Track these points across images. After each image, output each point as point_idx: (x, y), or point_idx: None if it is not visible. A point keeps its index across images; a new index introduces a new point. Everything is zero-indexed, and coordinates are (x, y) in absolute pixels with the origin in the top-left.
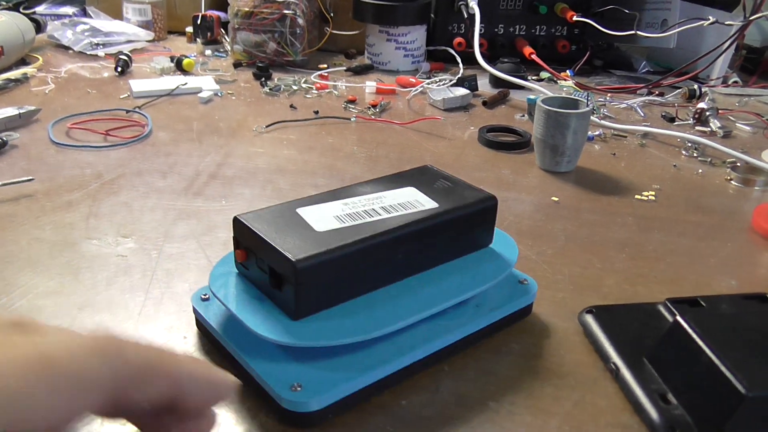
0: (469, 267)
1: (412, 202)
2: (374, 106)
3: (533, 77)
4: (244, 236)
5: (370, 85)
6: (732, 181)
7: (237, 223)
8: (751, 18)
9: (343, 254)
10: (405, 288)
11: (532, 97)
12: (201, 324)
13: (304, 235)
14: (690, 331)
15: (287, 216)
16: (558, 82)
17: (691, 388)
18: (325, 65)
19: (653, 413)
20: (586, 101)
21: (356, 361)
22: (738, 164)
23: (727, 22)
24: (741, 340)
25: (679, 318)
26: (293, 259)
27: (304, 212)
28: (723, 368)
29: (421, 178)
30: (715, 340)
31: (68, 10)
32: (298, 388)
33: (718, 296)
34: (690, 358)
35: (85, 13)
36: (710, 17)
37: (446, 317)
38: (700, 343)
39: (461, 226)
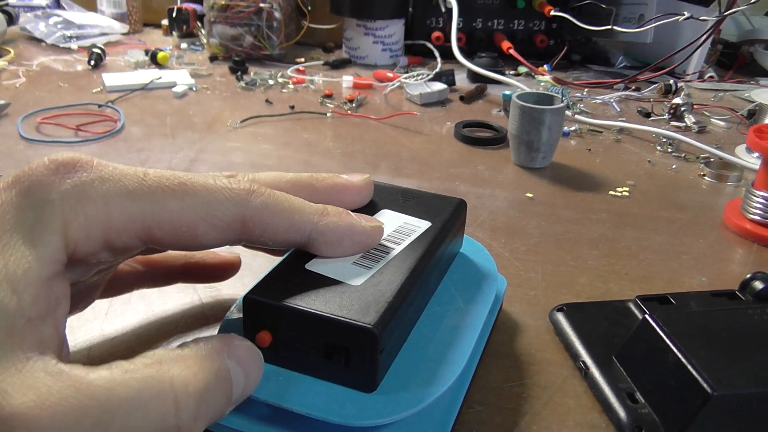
0: (462, 279)
1: (405, 226)
2: (351, 101)
3: (511, 72)
4: (267, 317)
5: (347, 79)
6: (705, 177)
7: (253, 304)
8: (725, 13)
9: (401, 302)
10: (433, 315)
11: (507, 92)
12: None
13: (350, 295)
14: (657, 329)
15: (304, 278)
16: (536, 76)
17: (658, 387)
18: (303, 59)
19: (621, 412)
20: (561, 97)
21: (436, 409)
22: (711, 160)
23: (702, 18)
24: (709, 338)
25: (647, 316)
26: (370, 326)
27: (317, 267)
28: (690, 367)
29: (382, 197)
30: (683, 339)
31: (41, 1)
32: None
33: (688, 293)
34: (658, 357)
35: (58, 5)
36: (685, 12)
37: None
38: (668, 341)
39: (451, 237)
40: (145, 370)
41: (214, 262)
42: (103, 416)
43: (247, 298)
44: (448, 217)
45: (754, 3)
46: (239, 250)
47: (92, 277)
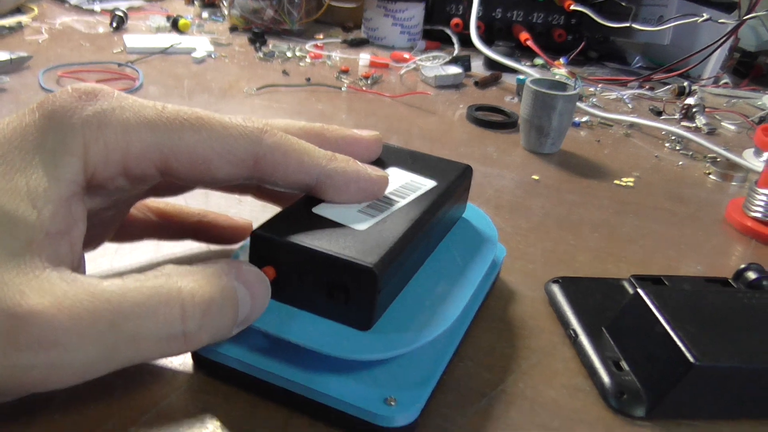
0: (463, 240)
1: (411, 183)
2: (366, 78)
3: (527, 63)
4: (273, 253)
5: (364, 57)
6: (711, 175)
7: (260, 240)
8: (744, 18)
9: (403, 248)
10: (432, 270)
11: (521, 77)
12: (204, 360)
13: (353, 237)
14: (649, 303)
15: (311, 220)
16: (551, 69)
17: (643, 357)
18: (321, 36)
19: (605, 378)
20: (573, 85)
21: (426, 356)
22: (718, 159)
23: (720, 21)
24: (697, 315)
25: (639, 290)
26: (371, 266)
27: (323, 211)
28: (675, 338)
29: (392, 157)
30: (672, 313)
31: None
32: (392, 403)
33: (682, 277)
34: (646, 329)
35: None
36: (704, 14)
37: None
38: (657, 314)
39: (455, 200)
40: (155, 279)
41: (227, 225)
42: (116, 318)
43: (254, 234)
44: (453, 179)
45: None
46: (251, 216)
47: (107, 211)
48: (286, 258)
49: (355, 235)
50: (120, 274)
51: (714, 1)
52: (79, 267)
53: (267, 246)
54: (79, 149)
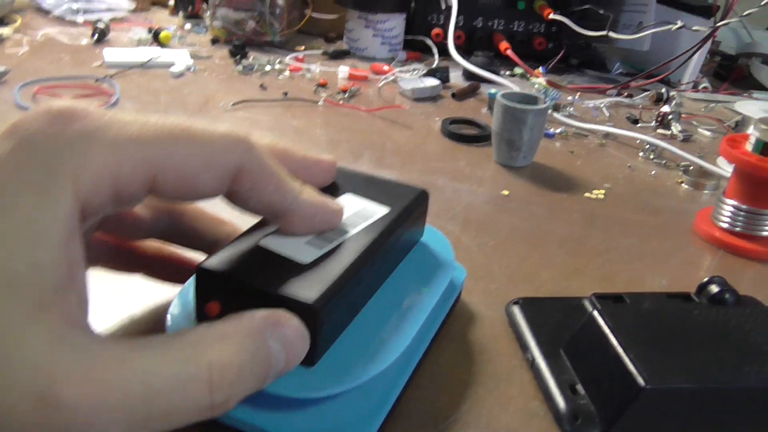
0: (418, 266)
1: (363, 210)
2: (344, 92)
3: (507, 72)
4: (216, 288)
5: (343, 69)
6: (683, 184)
7: (205, 274)
8: (717, 24)
9: (347, 281)
10: (384, 298)
11: (493, 91)
12: None
13: (296, 271)
14: (602, 324)
15: (257, 253)
16: (530, 78)
17: (598, 380)
18: (303, 47)
19: (560, 402)
20: (544, 98)
21: (377, 386)
22: (691, 167)
23: (694, 28)
24: (651, 335)
25: (594, 312)
26: (311, 302)
27: (271, 243)
28: (627, 360)
29: (346, 182)
30: (624, 334)
31: None
32: None
33: (643, 294)
34: (600, 351)
35: None
36: (679, 21)
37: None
38: (610, 335)
39: (409, 225)
40: (184, 350)
41: (182, 261)
42: (147, 396)
43: (199, 268)
44: (407, 204)
45: (746, 15)
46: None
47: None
48: (230, 293)
49: (300, 269)
50: (147, 340)
51: (693, 5)
52: (87, 314)
53: (210, 281)
54: (67, 181)
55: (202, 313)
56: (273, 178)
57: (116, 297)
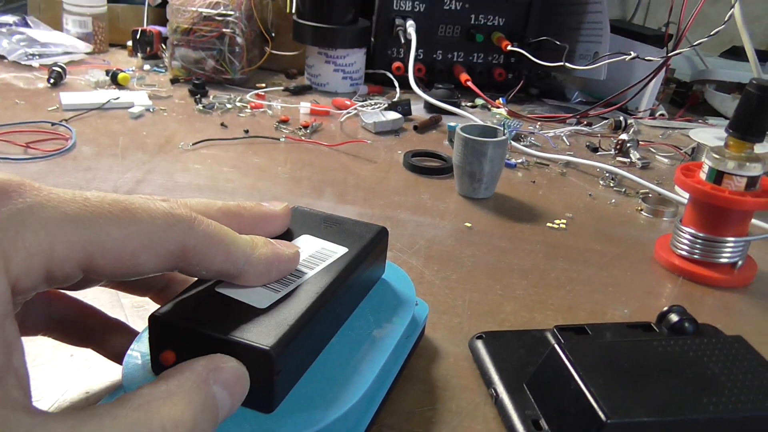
0: (379, 304)
1: (322, 251)
2: (306, 127)
3: (468, 104)
4: (170, 337)
5: (304, 105)
6: (642, 212)
7: (158, 323)
8: (669, 55)
9: (304, 325)
10: (345, 339)
11: (453, 124)
12: None
13: (252, 317)
14: (563, 358)
15: (213, 300)
16: (491, 109)
17: (561, 415)
18: (264, 84)
19: None
20: (503, 130)
21: (338, 429)
22: (650, 195)
23: (647, 58)
24: (612, 368)
25: (555, 346)
26: (267, 348)
27: (227, 290)
28: (588, 395)
29: (304, 223)
30: (586, 368)
31: (9, 18)
32: None
33: (604, 324)
34: (562, 385)
35: (26, 23)
36: (632, 52)
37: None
38: (571, 370)
39: (368, 264)
40: (133, 414)
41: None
42: None
43: (152, 317)
44: (366, 243)
45: (698, 45)
46: None
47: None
48: (185, 342)
49: (256, 314)
50: (92, 410)
51: (646, 34)
52: (29, 392)
53: (164, 330)
54: None
55: (157, 363)
56: (220, 249)
57: (65, 362)
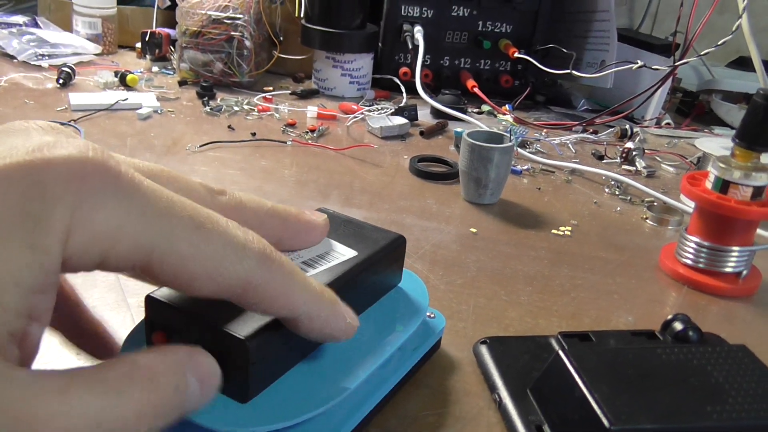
0: (387, 312)
1: (330, 252)
2: (312, 131)
3: (475, 110)
4: (162, 317)
5: (311, 109)
6: (647, 220)
7: (152, 303)
8: (676, 64)
9: None
10: (338, 344)
11: (459, 129)
12: None
13: (242, 309)
14: (568, 364)
15: None
16: (497, 115)
17: (564, 421)
18: (271, 88)
19: None
20: (510, 136)
21: (322, 429)
22: (655, 204)
23: (654, 67)
24: (616, 375)
25: (559, 352)
26: (242, 338)
27: None
28: (592, 401)
29: None
30: (590, 375)
31: (19, 19)
32: None
33: (608, 332)
34: (566, 391)
35: (36, 24)
36: (639, 61)
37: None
38: (576, 376)
39: (379, 270)
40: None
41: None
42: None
43: (148, 297)
44: (377, 249)
45: (705, 54)
46: None
47: None
48: (175, 323)
49: None
50: (66, 375)
51: (653, 43)
52: (32, 360)
53: (157, 309)
54: (61, 235)
55: (150, 343)
56: (286, 294)
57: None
